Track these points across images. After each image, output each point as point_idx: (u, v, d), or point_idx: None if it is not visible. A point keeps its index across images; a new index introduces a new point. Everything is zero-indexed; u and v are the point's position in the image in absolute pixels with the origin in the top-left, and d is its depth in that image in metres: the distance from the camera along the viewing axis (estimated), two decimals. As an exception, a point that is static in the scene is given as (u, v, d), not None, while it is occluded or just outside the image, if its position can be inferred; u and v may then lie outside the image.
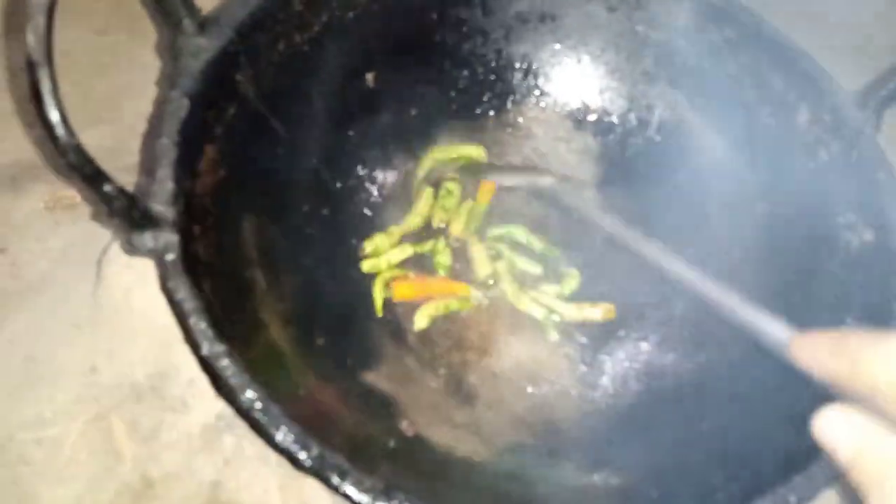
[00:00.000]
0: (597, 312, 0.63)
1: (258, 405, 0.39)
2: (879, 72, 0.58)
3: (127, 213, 0.41)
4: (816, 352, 0.35)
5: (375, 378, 0.55)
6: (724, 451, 0.50)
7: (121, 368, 0.56)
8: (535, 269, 0.65)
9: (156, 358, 0.56)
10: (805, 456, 0.43)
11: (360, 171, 0.65)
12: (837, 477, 0.42)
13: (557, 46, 0.69)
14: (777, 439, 0.48)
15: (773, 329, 0.39)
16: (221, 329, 0.42)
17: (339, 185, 0.62)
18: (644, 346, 0.62)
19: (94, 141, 0.74)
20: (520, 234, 0.66)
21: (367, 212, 0.65)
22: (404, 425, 0.52)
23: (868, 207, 0.54)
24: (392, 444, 0.50)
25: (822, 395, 0.48)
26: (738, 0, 0.62)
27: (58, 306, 0.59)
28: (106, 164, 0.70)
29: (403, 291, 0.61)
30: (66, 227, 0.66)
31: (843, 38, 0.92)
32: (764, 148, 0.61)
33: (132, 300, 0.55)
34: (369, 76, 0.64)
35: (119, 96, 0.75)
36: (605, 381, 0.60)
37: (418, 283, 0.61)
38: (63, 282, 0.61)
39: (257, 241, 0.53)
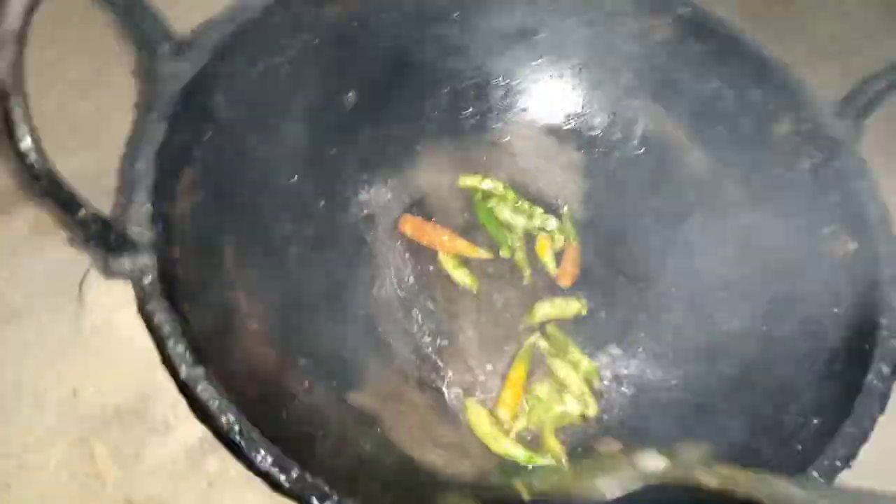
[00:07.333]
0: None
1: (237, 428, 0.39)
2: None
3: (103, 238, 0.41)
4: None
5: (360, 397, 0.55)
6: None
7: (103, 391, 0.56)
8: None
9: (138, 380, 0.56)
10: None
11: (344, 189, 0.65)
12: None
13: (538, 62, 0.69)
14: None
15: None
16: (201, 352, 0.42)
17: (322, 204, 0.62)
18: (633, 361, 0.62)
19: (77, 164, 0.73)
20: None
21: (353, 230, 0.65)
22: None
23: (850, 217, 0.54)
24: (376, 462, 0.50)
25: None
26: (716, 14, 0.62)
27: (40, 331, 0.58)
28: (89, 187, 0.70)
29: (408, 227, 0.66)
30: (51, 250, 0.65)
31: (831, 50, 0.93)
32: (746, 159, 0.61)
33: (113, 323, 0.55)
34: (349, 95, 0.64)
35: (103, 119, 0.75)
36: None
37: (426, 228, 0.66)
38: (46, 306, 0.60)
39: (238, 262, 0.53)
